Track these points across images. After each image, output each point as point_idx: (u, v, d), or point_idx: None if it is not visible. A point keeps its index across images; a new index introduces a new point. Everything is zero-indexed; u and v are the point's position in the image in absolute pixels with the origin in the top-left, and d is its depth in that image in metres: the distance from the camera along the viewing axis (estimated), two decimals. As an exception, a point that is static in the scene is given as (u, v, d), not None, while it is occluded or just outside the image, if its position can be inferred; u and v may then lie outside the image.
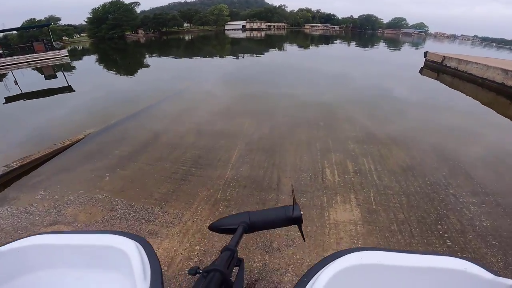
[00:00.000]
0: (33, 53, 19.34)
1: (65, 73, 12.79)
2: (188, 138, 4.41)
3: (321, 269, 0.71)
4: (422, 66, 13.50)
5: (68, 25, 56.81)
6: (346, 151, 3.88)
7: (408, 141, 4.33)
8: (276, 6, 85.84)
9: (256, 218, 0.76)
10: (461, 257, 0.71)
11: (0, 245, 0.73)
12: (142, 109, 6.05)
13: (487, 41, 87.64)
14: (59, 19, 54.54)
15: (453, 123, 5.36)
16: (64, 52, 20.87)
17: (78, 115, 5.90)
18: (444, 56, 12.37)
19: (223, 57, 17.71)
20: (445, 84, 9.66)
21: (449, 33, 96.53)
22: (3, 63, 16.61)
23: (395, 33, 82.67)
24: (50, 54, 19.65)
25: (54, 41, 46.13)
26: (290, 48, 24.11)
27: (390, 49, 27.22)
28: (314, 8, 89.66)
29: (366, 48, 26.29)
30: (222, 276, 0.58)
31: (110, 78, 11.19)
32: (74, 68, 15.34)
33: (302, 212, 0.75)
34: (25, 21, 48.42)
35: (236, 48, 25.84)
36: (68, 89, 9.02)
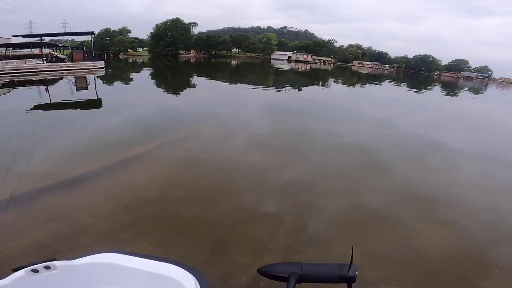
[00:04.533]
0: (71, 62, 19.89)
1: (101, 86, 12.98)
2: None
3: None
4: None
5: (135, 38, 58.55)
6: None
7: None
8: (325, 40, 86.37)
9: (308, 271, 0.75)
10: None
11: (74, 257, 0.80)
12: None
13: None
14: (129, 31, 55.81)
15: None
16: (100, 64, 20.62)
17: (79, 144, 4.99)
18: None
19: (265, 89, 16.96)
20: None
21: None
22: (36, 69, 16.83)
23: (454, 76, 74.96)
24: (84, 64, 19.72)
25: (120, 52, 50.32)
26: (335, 85, 22.68)
27: (458, 96, 23.54)
28: (365, 45, 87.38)
29: (426, 93, 23.19)
30: None
31: (149, 98, 10.64)
32: (120, 80, 15.76)
33: (357, 272, 0.73)
34: (101, 30, 51.47)
35: (280, 79, 25.30)
36: (97, 103, 8.70)
